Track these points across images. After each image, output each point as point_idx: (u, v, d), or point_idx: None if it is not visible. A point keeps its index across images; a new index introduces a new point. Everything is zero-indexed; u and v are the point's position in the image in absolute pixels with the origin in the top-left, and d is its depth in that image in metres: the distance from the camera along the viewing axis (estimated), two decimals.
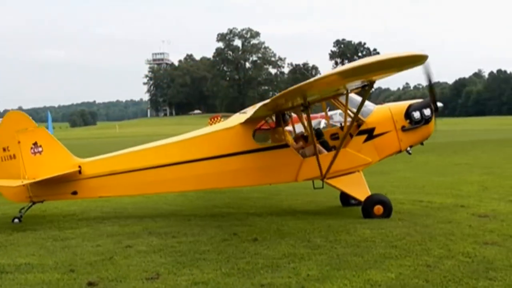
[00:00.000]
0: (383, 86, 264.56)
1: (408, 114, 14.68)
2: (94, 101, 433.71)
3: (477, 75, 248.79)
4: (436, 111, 14.81)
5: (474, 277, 8.61)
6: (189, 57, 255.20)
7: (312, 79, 11.52)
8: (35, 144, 14.19)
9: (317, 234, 11.95)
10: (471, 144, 44.94)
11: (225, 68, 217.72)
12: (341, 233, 12.01)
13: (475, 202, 15.60)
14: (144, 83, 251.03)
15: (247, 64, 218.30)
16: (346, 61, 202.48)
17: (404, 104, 15.04)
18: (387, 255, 10.02)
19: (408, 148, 14.97)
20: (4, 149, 14.11)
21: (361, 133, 14.58)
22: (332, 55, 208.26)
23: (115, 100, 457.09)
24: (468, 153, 35.83)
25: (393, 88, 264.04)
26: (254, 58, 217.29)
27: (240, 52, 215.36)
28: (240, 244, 11.30)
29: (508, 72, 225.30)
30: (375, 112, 14.62)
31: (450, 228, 12.17)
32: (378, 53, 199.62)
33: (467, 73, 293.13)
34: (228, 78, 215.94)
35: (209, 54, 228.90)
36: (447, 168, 25.62)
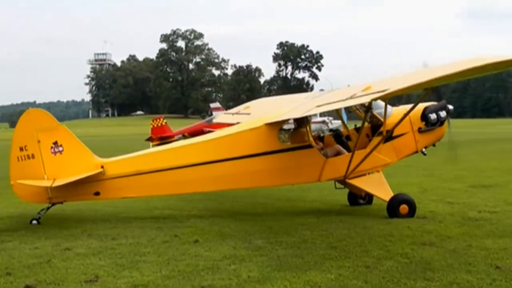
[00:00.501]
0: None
1: (424, 116, 15.11)
2: (35, 101, 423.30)
3: None
4: (448, 113, 15.32)
5: (412, 277, 8.75)
6: (132, 57, 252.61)
7: (444, 73, 10.37)
8: (55, 143, 13.65)
9: (258, 236, 11.98)
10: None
11: (168, 69, 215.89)
12: (282, 234, 12.07)
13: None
14: (86, 84, 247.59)
15: (191, 65, 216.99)
16: (289, 63, 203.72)
17: (420, 106, 15.09)
18: (327, 256, 10.10)
19: (424, 149, 15.43)
20: (21, 149, 13.48)
21: (381, 134, 14.68)
22: (276, 57, 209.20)
23: (56, 100, 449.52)
24: None
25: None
26: (198, 59, 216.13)
27: (183, 53, 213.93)
28: (181, 246, 11.25)
29: None
30: (393, 114, 14.74)
31: (389, 230, 12.35)
32: (321, 56, 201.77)
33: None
34: (171, 79, 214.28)
35: (152, 55, 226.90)
36: (387, 170, 25.85)
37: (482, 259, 9.79)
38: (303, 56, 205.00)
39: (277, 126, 14.70)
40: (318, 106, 13.41)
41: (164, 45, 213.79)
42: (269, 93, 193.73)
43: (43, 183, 13.41)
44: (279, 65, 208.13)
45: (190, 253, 10.61)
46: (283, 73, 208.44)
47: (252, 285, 8.59)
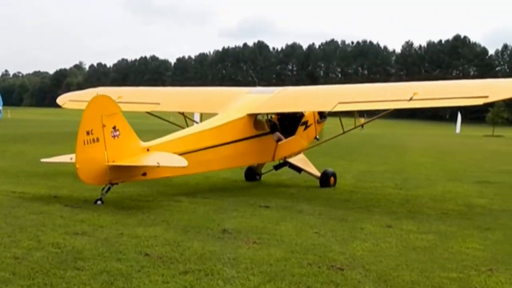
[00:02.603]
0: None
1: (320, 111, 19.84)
2: None
3: (78, 67, 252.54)
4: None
5: (62, 267, 8.63)
6: None
7: None
8: (114, 128, 14.11)
9: None
10: (68, 136, 45.42)
11: None
12: None
13: (68, 193, 15.72)
14: None
15: None
16: None
17: None
18: None
19: (317, 136, 20.33)
20: (87, 133, 13.75)
21: (303, 124, 19.41)
22: None
23: None
24: None
25: None
26: None
27: None
28: None
29: (108, 66, 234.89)
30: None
31: (42, 219, 12.04)
32: None
33: (68, 64, 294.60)
34: None
35: None
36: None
37: (132, 247, 10.03)
38: None
39: (254, 116, 17.81)
40: (365, 102, 16.94)
41: None
42: None
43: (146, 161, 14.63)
44: None
45: None
46: None
47: None
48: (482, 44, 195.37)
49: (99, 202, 14.28)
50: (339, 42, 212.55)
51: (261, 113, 18.35)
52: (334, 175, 19.53)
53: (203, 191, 17.19)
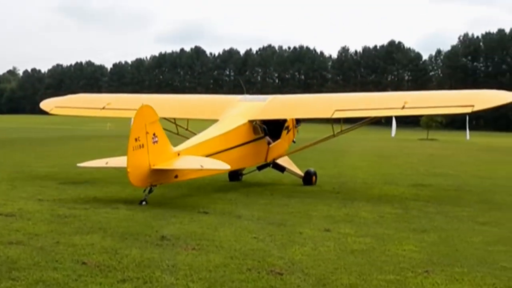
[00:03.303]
0: None
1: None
2: None
3: (12, 72, 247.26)
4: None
5: None
6: None
7: None
8: (154, 134, 15.40)
9: None
10: (0, 143, 44.43)
11: None
12: None
13: (1, 201, 15.31)
14: None
15: None
16: None
17: None
18: None
19: (294, 139, 22.54)
20: (136, 139, 14.98)
21: (285, 128, 21.36)
22: None
23: None
24: None
25: None
26: None
27: None
28: None
29: (43, 71, 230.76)
30: None
31: None
32: None
33: (0, 70, 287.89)
34: None
35: None
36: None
37: (69, 255, 9.84)
38: None
39: (252, 122, 19.62)
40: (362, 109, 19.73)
41: None
42: None
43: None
44: None
45: None
46: None
47: None
48: (416, 50, 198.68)
49: (144, 202, 15.52)
50: (276, 47, 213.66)
51: (261, 120, 20.02)
52: (315, 174, 21.84)
53: (141, 197, 16.98)
